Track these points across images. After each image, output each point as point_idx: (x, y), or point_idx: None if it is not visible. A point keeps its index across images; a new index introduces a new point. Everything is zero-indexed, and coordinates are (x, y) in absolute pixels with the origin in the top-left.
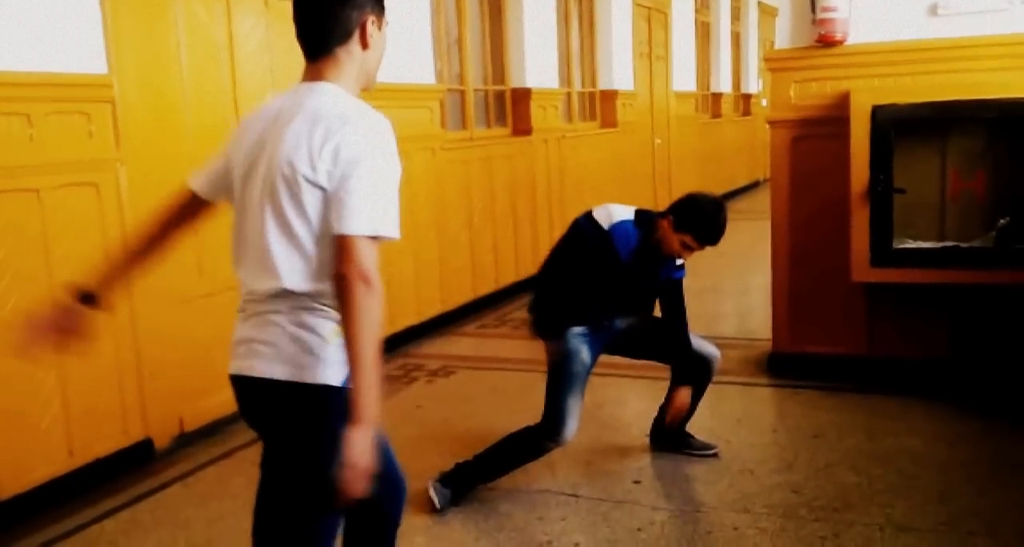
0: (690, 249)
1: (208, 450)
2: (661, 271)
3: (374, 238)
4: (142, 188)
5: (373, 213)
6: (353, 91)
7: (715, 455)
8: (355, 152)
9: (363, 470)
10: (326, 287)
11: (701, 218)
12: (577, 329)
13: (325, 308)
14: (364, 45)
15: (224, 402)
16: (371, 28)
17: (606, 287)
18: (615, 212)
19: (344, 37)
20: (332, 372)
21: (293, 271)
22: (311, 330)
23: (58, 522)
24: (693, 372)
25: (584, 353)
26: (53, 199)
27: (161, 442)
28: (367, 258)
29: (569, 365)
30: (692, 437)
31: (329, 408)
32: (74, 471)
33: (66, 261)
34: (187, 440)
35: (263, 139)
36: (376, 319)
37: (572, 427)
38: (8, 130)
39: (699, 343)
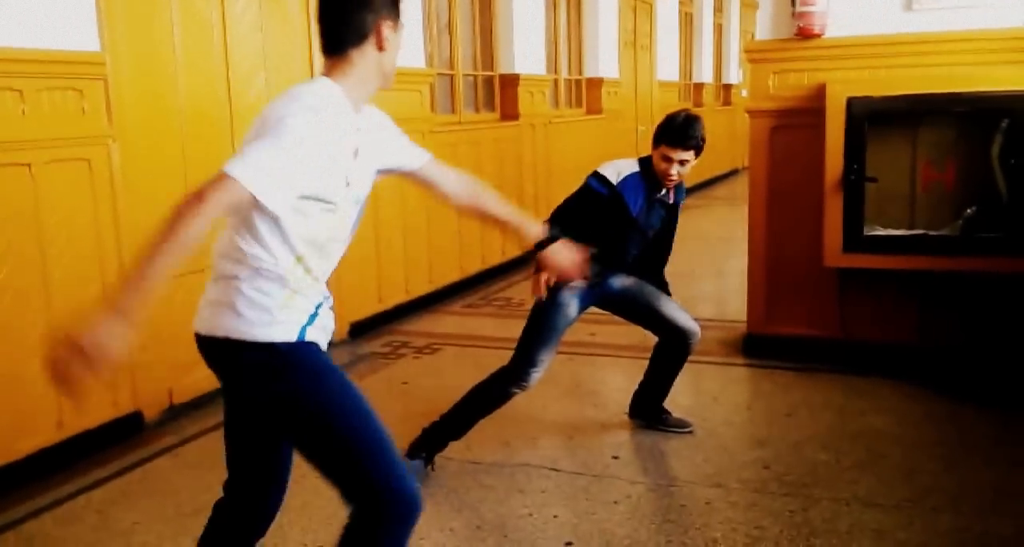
0: (670, 161)
1: (197, 422)
2: (673, 215)
3: (235, 181)
4: (134, 164)
5: (245, 159)
6: (362, 90)
7: (690, 432)
8: (266, 113)
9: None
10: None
11: (665, 123)
12: (574, 284)
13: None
14: (380, 48)
15: (211, 375)
16: (386, 31)
17: (615, 244)
18: (622, 167)
19: (359, 40)
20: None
21: None
22: None
23: (47, 492)
24: (673, 344)
25: (572, 308)
26: (45, 174)
27: (151, 414)
28: (210, 184)
29: (552, 317)
30: (669, 414)
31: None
32: (63, 442)
33: (57, 235)
34: (176, 412)
35: None
36: (179, 230)
37: (537, 376)
38: (1, 105)
39: (682, 317)
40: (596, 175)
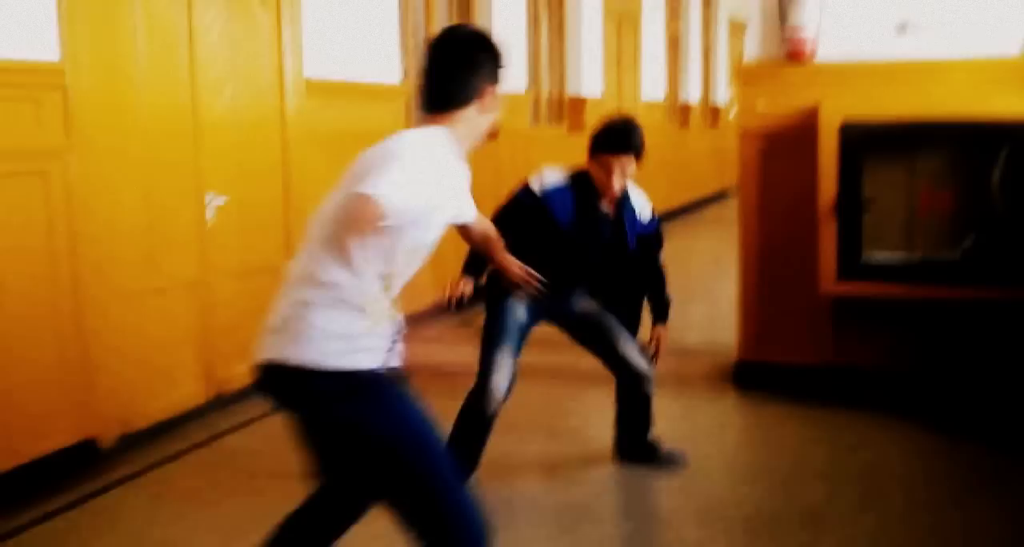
0: (610, 169)
1: (154, 451)
2: (620, 232)
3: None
4: (92, 178)
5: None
6: (459, 148)
7: (683, 467)
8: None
9: None
10: None
11: (603, 130)
12: (520, 294)
13: None
14: (482, 110)
15: (172, 402)
16: (489, 96)
17: (550, 259)
18: (548, 177)
19: (465, 102)
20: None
21: None
22: None
23: None
24: (626, 385)
25: (519, 311)
26: None
27: (106, 442)
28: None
29: (500, 320)
30: (657, 448)
31: None
32: (13, 470)
33: (11, 250)
34: (134, 441)
35: None
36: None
37: (499, 382)
38: None
39: (635, 357)
40: (523, 186)
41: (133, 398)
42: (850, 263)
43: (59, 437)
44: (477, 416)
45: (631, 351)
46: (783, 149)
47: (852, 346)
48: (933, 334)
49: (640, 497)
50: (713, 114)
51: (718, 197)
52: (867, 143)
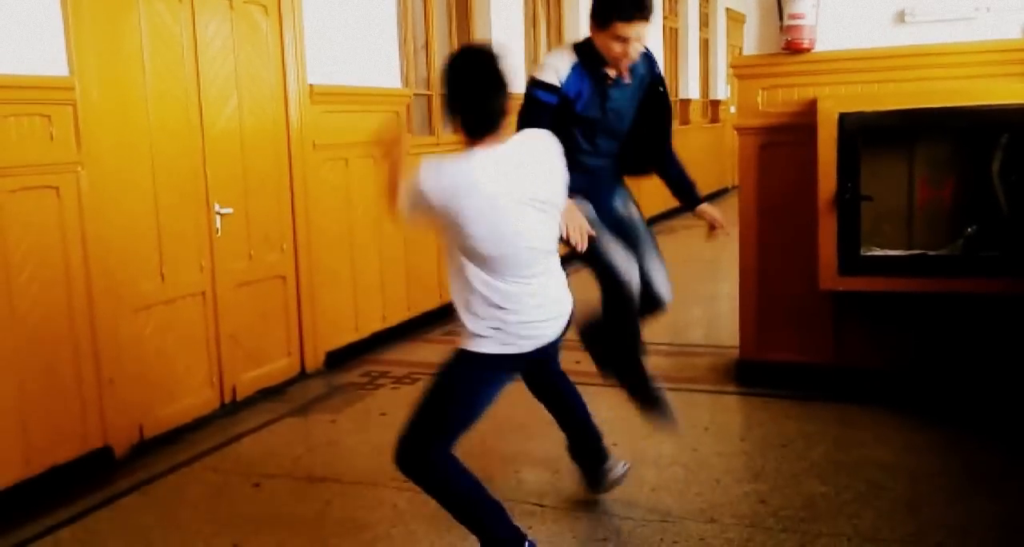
0: (625, 40)
1: (168, 458)
2: (632, 94)
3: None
4: (103, 191)
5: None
6: None
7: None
8: None
9: None
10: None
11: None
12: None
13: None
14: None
15: (184, 409)
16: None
17: (583, 150)
18: (558, 63)
19: (503, 118)
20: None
21: None
22: None
23: (14, 530)
24: (626, 301)
25: (590, 211)
26: (12, 202)
27: (120, 450)
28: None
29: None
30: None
31: None
32: (31, 479)
33: (25, 264)
34: (147, 447)
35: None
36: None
37: (628, 270)
38: None
39: (660, 280)
40: (536, 84)
41: (146, 406)
42: (850, 258)
43: (74, 446)
44: (624, 311)
45: (658, 273)
46: (783, 143)
47: (853, 343)
48: (934, 330)
49: (643, 493)
50: (713, 108)
51: (719, 193)
52: (866, 133)
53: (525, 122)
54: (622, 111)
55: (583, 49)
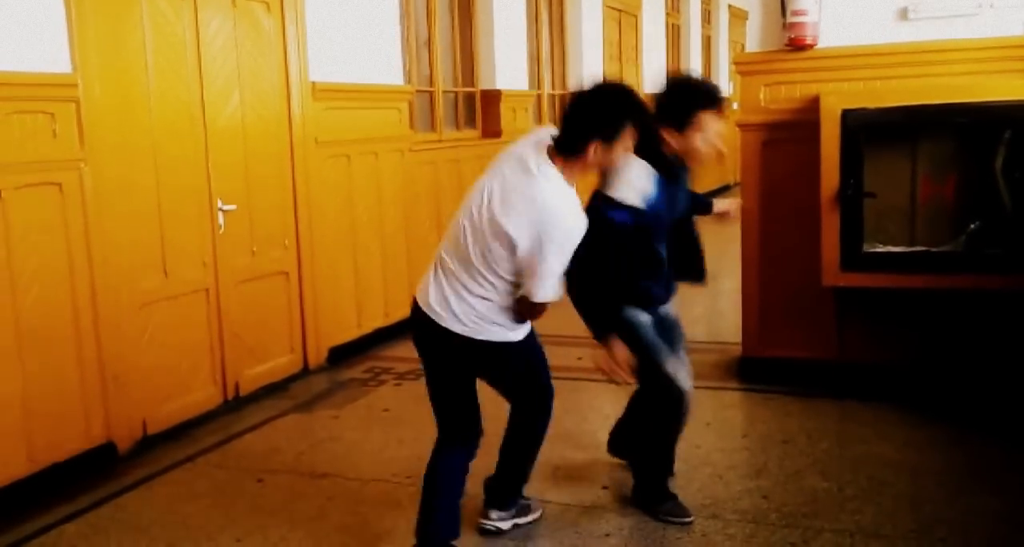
0: (712, 130)
1: (171, 453)
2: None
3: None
4: (106, 188)
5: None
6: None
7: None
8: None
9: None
10: None
11: (691, 88)
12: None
13: None
14: (584, 163)
15: (187, 405)
16: (594, 151)
17: (651, 261)
18: (636, 179)
19: (577, 153)
20: None
21: None
22: None
23: (18, 526)
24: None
25: (643, 317)
26: (16, 199)
27: (124, 445)
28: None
29: (639, 334)
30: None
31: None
32: (34, 475)
33: (28, 261)
34: (150, 443)
35: None
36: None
37: (684, 381)
38: None
39: (683, 374)
40: (611, 204)
41: (149, 402)
42: (853, 254)
43: (79, 441)
44: (675, 421)
45: (680, 366)
46: (785, 140)
47: (855, 339)
48: (936, 327)
49: None
50: None
51: (722, 190)
52: (869, 130)
53: (597, 252)
54: (683, 200)
55: (650, 153)
